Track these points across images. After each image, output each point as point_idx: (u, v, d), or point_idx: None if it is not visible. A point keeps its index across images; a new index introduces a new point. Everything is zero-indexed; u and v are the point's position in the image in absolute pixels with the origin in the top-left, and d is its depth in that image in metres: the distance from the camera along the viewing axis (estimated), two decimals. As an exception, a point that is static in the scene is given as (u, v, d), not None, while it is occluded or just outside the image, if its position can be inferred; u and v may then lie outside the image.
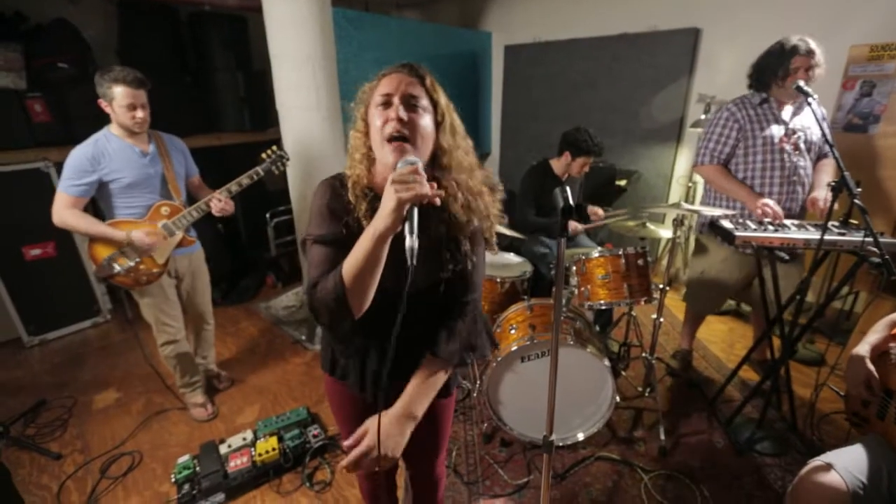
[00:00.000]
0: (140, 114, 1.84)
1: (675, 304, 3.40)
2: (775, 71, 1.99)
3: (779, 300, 2.00)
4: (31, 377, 2.67)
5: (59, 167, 2.93)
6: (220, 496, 1.81)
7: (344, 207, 0.95)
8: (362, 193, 0.95)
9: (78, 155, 1.82)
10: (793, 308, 1.92)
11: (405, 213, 0.77)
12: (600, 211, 2.73)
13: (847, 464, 1.27)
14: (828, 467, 1.27)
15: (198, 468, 1.87)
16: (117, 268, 1.91)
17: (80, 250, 3.12)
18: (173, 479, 1.83)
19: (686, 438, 2.13)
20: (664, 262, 3.74)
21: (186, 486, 1.79)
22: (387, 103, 0.90)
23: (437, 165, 0.98)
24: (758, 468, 1.96)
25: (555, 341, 0.94)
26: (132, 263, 1.92)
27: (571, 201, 0.80)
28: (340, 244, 0.90)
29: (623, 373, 2.55)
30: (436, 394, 1.03)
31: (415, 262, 0.73)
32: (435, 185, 0.82)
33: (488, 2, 4.31)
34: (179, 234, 2.01)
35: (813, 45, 1.94)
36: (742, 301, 3.00)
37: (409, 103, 0.90)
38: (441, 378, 1.03)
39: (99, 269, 1.92)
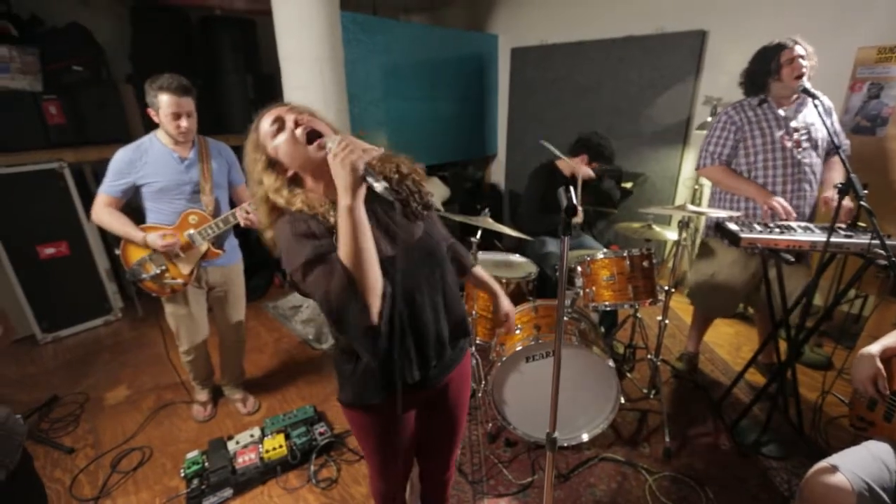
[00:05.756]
0: (184, 123, 1.81)
1: (682, 307, 3.38)
2: (767, 69, 2.02)
3: (784, 302, 2.00)
4: (44, 373, 2.72)
5: (72, 168, 3.01)
6: (228, 491, 1.84)
7: (309, 227, 0.96)
8: (322, 207, 0.98)
9: (119, 157, 1.85)
10: (799, 311, 1.92)
11: (362, 174, 0.86)
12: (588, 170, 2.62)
13: (852, 465, 1.27)
14: (833, 469, 1.28)
15: (206, 464, 1.90)
16: (144, 273, 1.91)
17: (93, 249, 3.18)
18: (182, 474, 1.86)
19: (691, 440, 2.13)
20: (670, 264, 3.73)
21: (195, 481, 1.83)
22: (280, 125, 0.99)
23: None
24: (763, 471, 1.96)
25: (558, 337, 0.95)
26: (157, 271, 1.91)
27: (575, 201, 0.82)
28: (322, 257, 0.92)
29: (628, 375, 2.55)
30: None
31: (391, 197, 0.88)
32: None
33: (495, 5, 4.34)
34: (205, 245, 1.95)
35: (799, 38, 1.99)
36: (749, 304, 2.98)
37: (295, 111, 1.01)
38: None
39: (129, 272, 1.93)
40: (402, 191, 1.08)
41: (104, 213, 1.88)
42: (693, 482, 1.89)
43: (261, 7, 3.30)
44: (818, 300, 2.82)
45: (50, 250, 2.99)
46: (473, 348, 2.43)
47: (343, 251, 0.87)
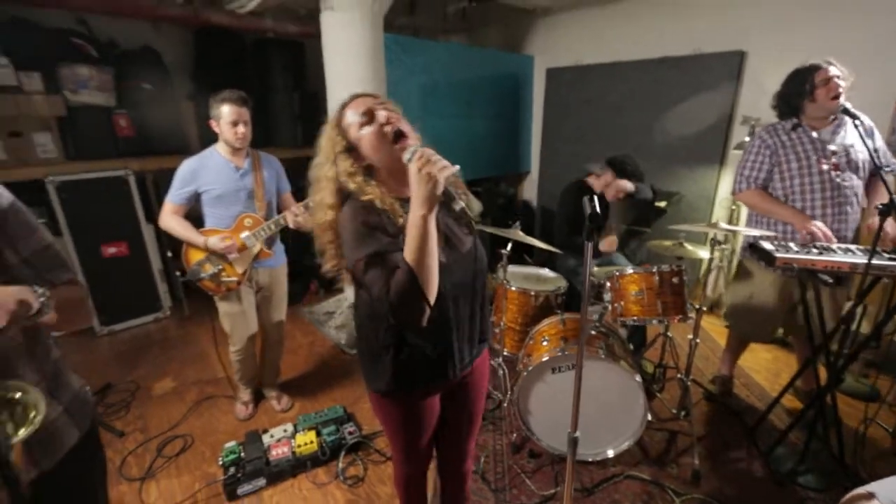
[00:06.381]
0: (241, 129, 1.99)
1: (716, 329, 3.30)
2: (801, 90, 1.99)
3: (823, 327, 1.94)
4: (100, 363, 2.95)
5: (136, 176, 3.29)
6: (262, 481, 1.94)
7: (381, 221, 1.02)
8: (391, 204, 1.04)
9: (184, 168, 2.03)
10: (840, 337, 1.86)
11: (443, 190, 0.89)
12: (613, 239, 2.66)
13: (892, 493, 1.23)
14: (869, 496, 1.23)
15: (243, 454, 2.01)
16: (203, 273, 2.07)
17: (149, 251, 3.43)
18: (220, 462, 1.98)
19: (722, 465, 2.07)
20: (706, 283, 3.64)
21: (232, 469, 1.93)
22: (370, 118, 1.03)
23: None
24: (801, 501, 1.88)
25: (581, 339, 1.00)
26: (215, 270, 2.07)
27: (598, 210, 0.87)
28: (387, 254, 0.97)
29: (658, 395, 2.51)
30: None
31: (472, 222, 0.94)
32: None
33: (532, 26, 4.45)
34: (258, 246, 2.11)
35: (833, 60, 1.97)
36: (787, 330, 2.88)
37: (387, 108, 1.06)
38: None
39: (190, 272, 2.09)
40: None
41: (171, 220, 2.06)
42: (723, 507, 1.84)
43: (310, 30, 3.55)
44: (866, 327, 2.68)
45: (112, 250, 3.26)
46: (501, 359, 2.47)
47: (410, 255, 0.92)
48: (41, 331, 0.99)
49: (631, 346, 2.44)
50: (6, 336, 0.70)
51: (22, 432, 0.66)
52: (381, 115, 1.02)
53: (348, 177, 1.04)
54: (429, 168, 0.88)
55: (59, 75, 3.05)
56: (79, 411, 1.08)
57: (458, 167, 0.93)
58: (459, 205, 0.90)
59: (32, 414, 0.69)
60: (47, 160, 3.07)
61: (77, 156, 3.18)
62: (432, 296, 0.95)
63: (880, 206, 1.62)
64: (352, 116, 1.05)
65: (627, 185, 2.50)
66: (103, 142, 3.26)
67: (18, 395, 0.70)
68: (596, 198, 0.89)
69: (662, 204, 3.52)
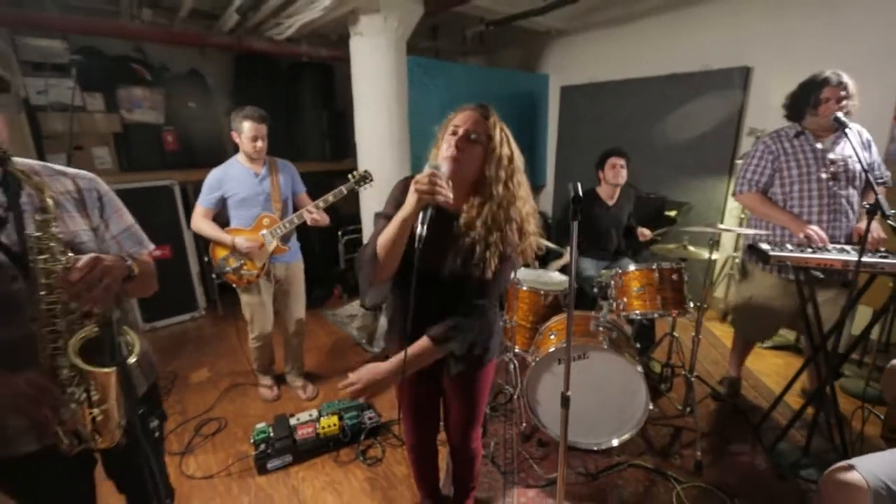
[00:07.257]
0: (259, 144, 2.25)
1: (725, 334, 3.34)
2: (807, 101, 2.08)
3: (820, 326, 2.01)
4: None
5: (182, 186, 3.60)
6: (289, 457, 2.12)
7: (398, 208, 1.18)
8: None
9: (211, 176, 2.31)
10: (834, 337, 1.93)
11: (421, 206, 1.04)
12: (647, 231, 2.88)
13: (871, 465, 1.32)
14: (849, 467, 1.33)
15: (272, 433, 2.19)
16: (227, 267, 2.33)
17: (189, 255, 3.72)
18: (252, 441, 2.16)
19: (725, 458, 2.14)
20: (719, 288, 3.70)
21: (262, 446, 2.11)
22: (455, 133, 1.19)
23: (477, 190, 1.22)
24: (802, 493, 1.93)
25: (570, 297, 1.15)
26: (238, 264, 2.33)
27: (580, 192, 1.04)
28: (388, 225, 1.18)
29: (666, 394, 2.59)
30: (424, 362, 1.25)
31: (420, 245, 1.01)
32: (448, 190, 1.05)
33: (547, 47, 4.69)
34: (275, 242, 2.34)
35: (845, 78, 2.01)
36: (797, 331, 2.92)
37: (469, 137, 1.17)
38: (428, 351, 1.23)
39: (216, 266, 2.36)
40: (478, 241, 1.19)
41: (201, 222, 2.33)
42: (724, 495, 1.91)
43: (339, 54, 3.86)
44: (876, 331, 2.71)
45: (157, 252, 3.52)
46: (511, 354, 2.60)
47: (381, 239, 1.14)
48: (122, 296, 1.22)
49: (638, 345, 2.54)
50: (112, 293, 0.91)
51: (132, 358, 0.87)
52: (454, 144, 1.15)
53: (433, 154, 1.24)
54: (427, 186, 1.02)
55: (117, 96, 3.41)
56: (146, 366, 1.29)
57: (451, 199, 1.05)
58: (419, 228, 1.02)
59: (131, 346, 0.90)
60: (104, 171, 3.41)
61: (130, 168, 3.53)
62: (380, 275, 1.17)
63: (867, 206, 1.72)
64: (454, 122, 1.19)
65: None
66: (153, 155, 3.61)
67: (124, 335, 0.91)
68: (579, 184, 1.06)
69: (673, 213, 3.63)
